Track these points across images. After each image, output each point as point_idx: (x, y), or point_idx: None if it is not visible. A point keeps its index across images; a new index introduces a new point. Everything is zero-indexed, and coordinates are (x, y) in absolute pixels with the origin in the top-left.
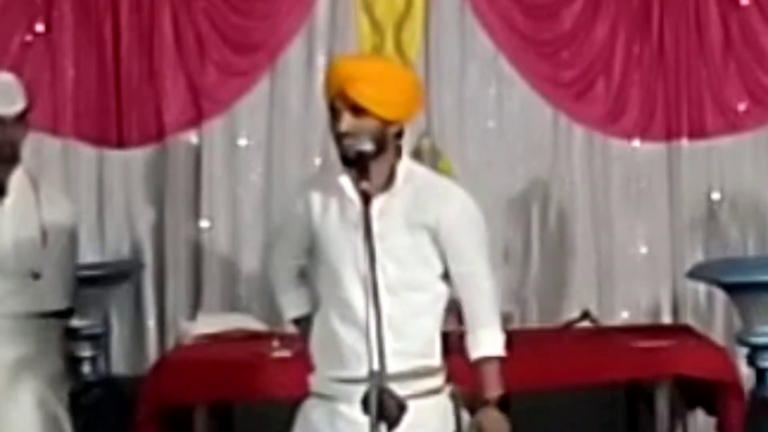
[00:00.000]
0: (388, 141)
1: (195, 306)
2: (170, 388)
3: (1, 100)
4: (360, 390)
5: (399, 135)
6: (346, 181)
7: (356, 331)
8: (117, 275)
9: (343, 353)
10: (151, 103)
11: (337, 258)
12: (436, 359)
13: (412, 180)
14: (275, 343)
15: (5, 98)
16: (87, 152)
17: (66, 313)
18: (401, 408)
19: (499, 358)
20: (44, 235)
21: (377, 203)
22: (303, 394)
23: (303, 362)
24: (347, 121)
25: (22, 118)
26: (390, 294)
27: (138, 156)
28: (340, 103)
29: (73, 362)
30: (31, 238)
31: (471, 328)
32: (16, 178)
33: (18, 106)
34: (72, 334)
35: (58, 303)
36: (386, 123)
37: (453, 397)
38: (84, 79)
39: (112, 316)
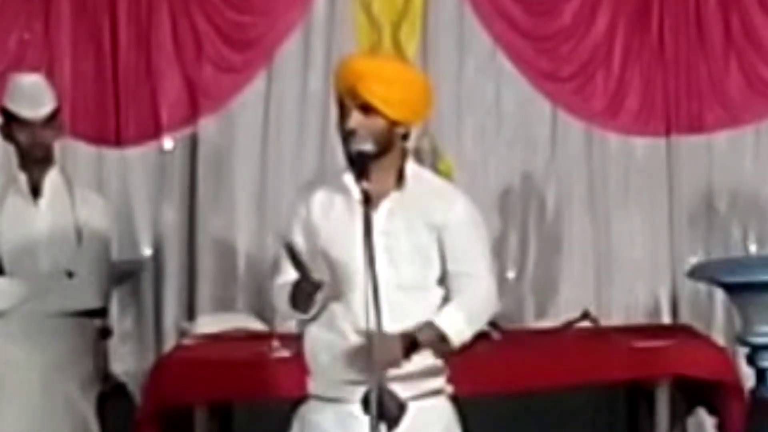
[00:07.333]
0: (394, 142)
1: (191, 306)
2: (170, 388)
3: (27, 103)
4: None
5: (405, 136)
6: (351, 181)
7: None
8: (116, 275)
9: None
10: (148, 101)
11: (346, 257)
12: (439, 359)
13: (419, 181)
14: (275, 343)
15: (32, 101)
16: (85, 150)
17: (99, 313)
18: (401, 408)
19: (448, 344)
20: (79, 234)
21: (387, 203)
22: (303, 394)
23: (303, 362)
24: (355, 119)
25: (51, 119)
26: (403, 293)
27: (136, 154)
28: (349, 100)
29: None
30: (66, 238)
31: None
32: (51, 179)
33: (46, 108)
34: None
35: (93, 302)
36: (394, 123)
37: (454, 400)
38: (82, 77)
39: (111, 315)
